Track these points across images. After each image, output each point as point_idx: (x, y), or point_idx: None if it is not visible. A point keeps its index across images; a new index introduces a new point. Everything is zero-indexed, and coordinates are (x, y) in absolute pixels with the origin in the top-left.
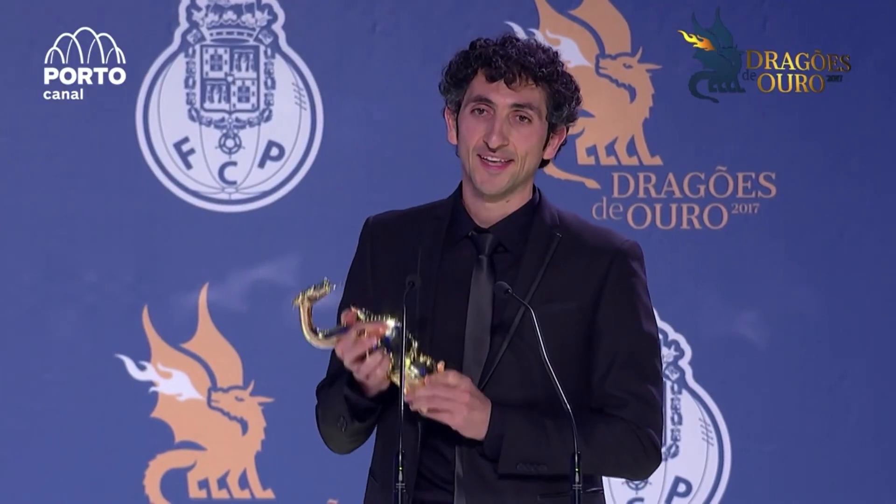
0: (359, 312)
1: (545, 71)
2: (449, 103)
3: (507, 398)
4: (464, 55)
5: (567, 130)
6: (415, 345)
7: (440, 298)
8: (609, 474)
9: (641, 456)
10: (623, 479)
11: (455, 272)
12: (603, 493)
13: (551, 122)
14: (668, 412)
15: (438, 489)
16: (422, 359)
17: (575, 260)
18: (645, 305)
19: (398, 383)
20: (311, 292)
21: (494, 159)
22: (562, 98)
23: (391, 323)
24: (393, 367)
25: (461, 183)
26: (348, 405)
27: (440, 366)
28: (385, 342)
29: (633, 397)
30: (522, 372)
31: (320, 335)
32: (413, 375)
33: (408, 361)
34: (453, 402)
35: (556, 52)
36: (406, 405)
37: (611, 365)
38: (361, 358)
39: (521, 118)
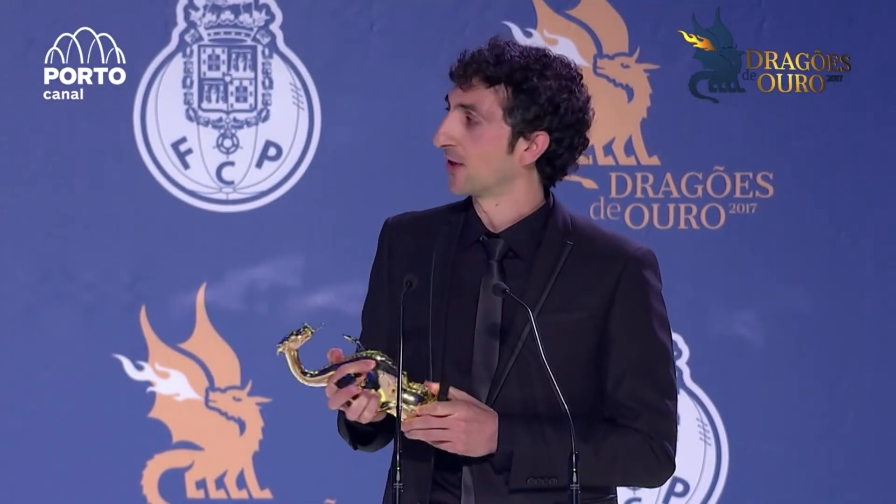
0: (349, 339)
1: (500, 71)
2: None
3: (518, 407)
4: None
5: (551, 136)
6: (404, 374)
7: (451, 302)
8: (622, 485)
9: (655, 467)
10: None
11: (466, 276)
12: (616, 499)
13: (513, 126)
14: None
15: (448, 492)
16: (414, 387)
17: (586, 268)
18: (658, 314)
19: (392, 414)
20: (292, 340)
21: (448, 158)
22: (519, 102)
23: (378, 358)
24: (382, 404)
25: None
26: (351, 431)
27: (434, 388)
28: (369, 379)
29: (645, 408)
30: (533, 380)
31: (308, 376)
32: (408, 405)
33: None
34: (450, 430)
35: (541, 56)
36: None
37: (623, 375)
38: (348, 403)
39: (469, 119)
